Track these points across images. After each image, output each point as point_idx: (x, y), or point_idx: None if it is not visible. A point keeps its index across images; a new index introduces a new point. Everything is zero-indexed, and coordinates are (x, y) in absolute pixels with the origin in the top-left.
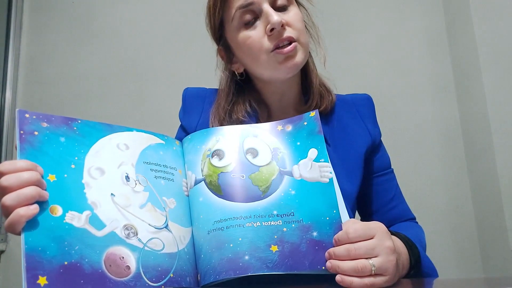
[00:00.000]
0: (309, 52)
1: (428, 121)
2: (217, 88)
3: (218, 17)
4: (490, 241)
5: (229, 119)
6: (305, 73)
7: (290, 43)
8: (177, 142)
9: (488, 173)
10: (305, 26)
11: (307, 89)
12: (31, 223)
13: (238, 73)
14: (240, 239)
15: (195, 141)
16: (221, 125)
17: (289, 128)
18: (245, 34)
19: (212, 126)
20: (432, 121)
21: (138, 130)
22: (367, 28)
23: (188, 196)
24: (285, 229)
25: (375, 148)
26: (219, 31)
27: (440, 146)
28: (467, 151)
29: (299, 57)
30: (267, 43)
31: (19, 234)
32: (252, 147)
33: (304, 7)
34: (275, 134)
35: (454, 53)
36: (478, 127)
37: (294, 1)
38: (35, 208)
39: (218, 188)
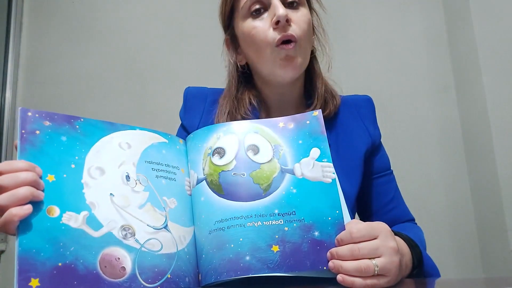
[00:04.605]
0: (316, 57)
1: (428, 121)
2: (219, 88)
3: (229, 4)
4: (490, 241)
5: (235, 114)
6: (310, 77)
7: (291, 41)
8: (181, 141)
9: (488, 173)
10: (314, 30)
11: (310, 94)
12: (27, 225)
13: (240, 65)
14: (241, 239)
15: (196, 140)
16: (230, 116)
17: (291, 125)
18: (251, 23)
19: (219, 121)
20: (432, 121)
21: (141, 129)
22: (367, 28)
23: (190, 195)
24: (286, 228)
25: (375, 149)
26: (228, 18)
27: (440, 146)
28: (467, 151)
29: (299, 60)
30: (271, 35)
31: (14, 234)
32: (253, 144)
33: (315, 12)
34: (276, 130)
35: (454, 53)
36: (478, 127)
37: (306, 3)
38: (28, 208)
39: (219, 188)
